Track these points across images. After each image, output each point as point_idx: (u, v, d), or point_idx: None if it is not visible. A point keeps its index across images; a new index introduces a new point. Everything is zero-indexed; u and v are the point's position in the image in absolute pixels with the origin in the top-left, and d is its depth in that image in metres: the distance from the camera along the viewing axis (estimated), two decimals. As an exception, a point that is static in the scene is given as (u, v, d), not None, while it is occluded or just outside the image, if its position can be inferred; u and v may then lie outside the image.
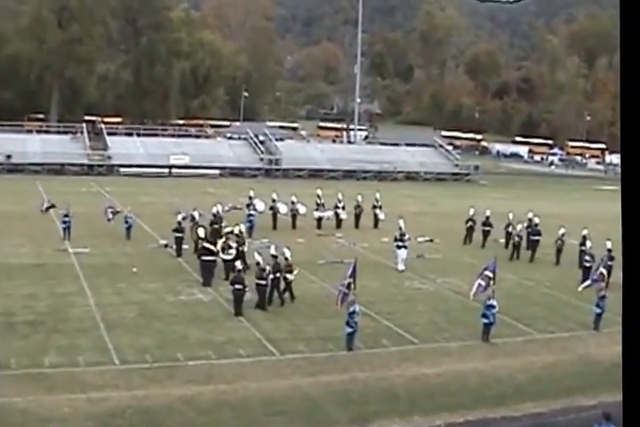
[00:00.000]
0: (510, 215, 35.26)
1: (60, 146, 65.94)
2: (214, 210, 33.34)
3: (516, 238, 33.85)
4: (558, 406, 17.47)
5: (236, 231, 29.00)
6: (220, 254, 26.67)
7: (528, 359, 20.64)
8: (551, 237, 33.19)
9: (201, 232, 28.34)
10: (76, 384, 16.98)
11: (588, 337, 22.82)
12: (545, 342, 22.39)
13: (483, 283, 22.06)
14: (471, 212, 36.46)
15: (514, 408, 17.24)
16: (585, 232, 32.96)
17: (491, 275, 22.23)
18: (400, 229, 31.05)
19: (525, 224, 34.83)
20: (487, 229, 36.09)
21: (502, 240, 35.49)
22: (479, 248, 35.45)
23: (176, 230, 31.10)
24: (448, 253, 34.59)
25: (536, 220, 34.97)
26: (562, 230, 33.13)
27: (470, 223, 36.50)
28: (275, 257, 24.87)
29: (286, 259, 24.79)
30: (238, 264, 24.02)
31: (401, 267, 30.33)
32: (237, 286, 22.94)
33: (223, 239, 27.56)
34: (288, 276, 24.43)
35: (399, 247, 30.62)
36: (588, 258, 29.42)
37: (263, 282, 23.51)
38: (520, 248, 33.86)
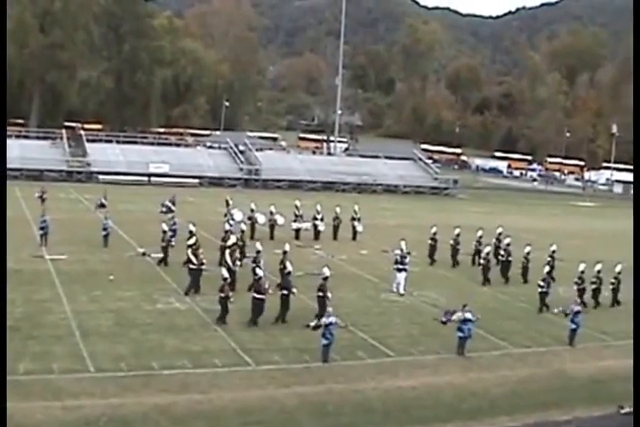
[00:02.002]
0: (499, 229, 35.39)
1: (39, 152, 65.63)
2: (227, 227, 32.65)
3: (483, 262, 32.24)
4: (533, 420, 17.52)
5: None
6: (232, 267, 26.34)
7: (503, 373, 20.71)
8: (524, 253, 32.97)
9: (190, 241, 28.38)
10: (50, 392, 16.87)
11: (564, 352, 22.92)
12: (520, 356, 22.46)
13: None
14: (433, 230, 35.54)
15: (488, 422, 17.28)
16: (553, 248, 33.05)
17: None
18: (401, 250, 29.77)
19: (494, 242, 34.33)
20: (457, 247, 34.95)
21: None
22: (459, 262, 35.30)
23: (162, 240, 31.00)
24: (425, 267, 34.60)
25: (507, 240, 33.82)
26: (527, 249, 32.43)
27: (431, 242, 35.44)
28: (288, 274, 24.55)
29: (325, 278, 24.00)
30: (224, 272, 23.89)
31: (401, 290, 29.02)
32: (222, 295, 22.93)
33: (229, 251, 27.46)
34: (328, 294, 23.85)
35: (399, 270, 29.24)
36: (542, 284, 27.53)
37: (259, 296, 23.21)
38: (489, 271, 32.13)
